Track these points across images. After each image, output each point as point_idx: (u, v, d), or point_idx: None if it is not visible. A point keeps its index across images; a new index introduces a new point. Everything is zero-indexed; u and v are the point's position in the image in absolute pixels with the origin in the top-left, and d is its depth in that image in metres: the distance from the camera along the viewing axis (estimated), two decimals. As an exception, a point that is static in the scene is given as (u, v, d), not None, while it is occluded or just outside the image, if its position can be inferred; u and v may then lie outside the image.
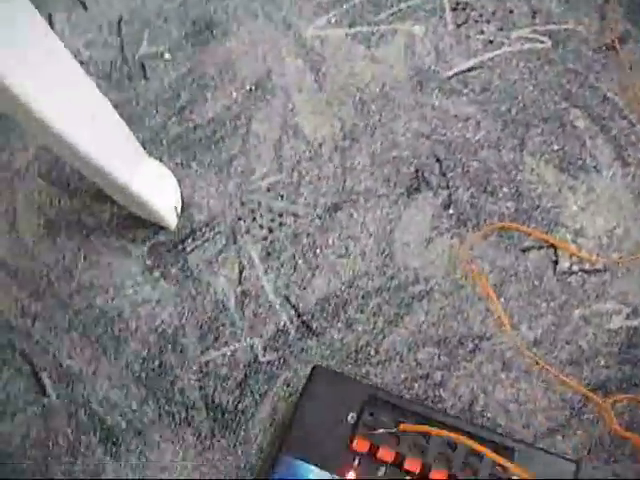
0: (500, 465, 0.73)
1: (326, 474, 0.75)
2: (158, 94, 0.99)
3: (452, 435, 0.72)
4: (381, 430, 0.75)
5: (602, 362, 0.84)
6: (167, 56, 1.00)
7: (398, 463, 0.75)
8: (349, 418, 0.77)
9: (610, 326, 0.86)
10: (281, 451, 0.77)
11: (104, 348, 0.87)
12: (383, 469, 0.75)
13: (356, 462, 0.76)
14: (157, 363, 0.86)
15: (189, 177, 0.93)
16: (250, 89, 0.97)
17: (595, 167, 0.92)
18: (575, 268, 0.88)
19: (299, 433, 0.77)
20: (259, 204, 0.91)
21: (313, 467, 0.76)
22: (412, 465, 0.75)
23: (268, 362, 0.85)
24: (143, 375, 0.86)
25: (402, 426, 0.74)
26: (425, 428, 0.74)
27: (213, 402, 0.84)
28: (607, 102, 0.96)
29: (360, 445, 0.75)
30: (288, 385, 0.83)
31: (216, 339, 0.86)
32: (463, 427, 0.74)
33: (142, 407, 0.85)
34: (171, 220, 0.90)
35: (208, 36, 1.02)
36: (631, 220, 0.90)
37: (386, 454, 0.75)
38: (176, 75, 1.00)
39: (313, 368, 0.78)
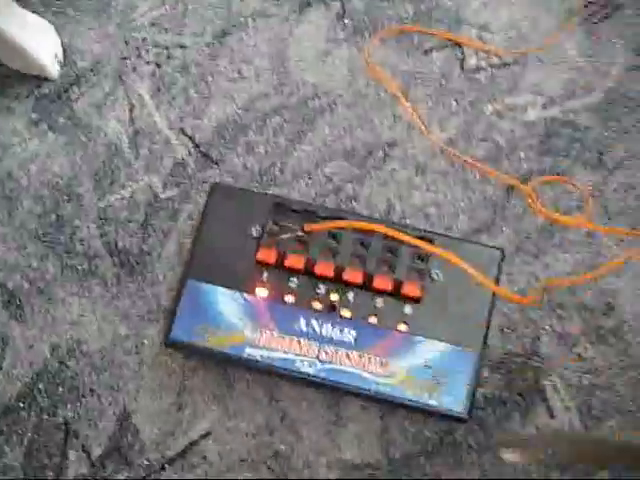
0: (418, 257, 0.69)
1: (235, 294, 0.71)
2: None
3: (364, 226, 0.68)
4: (286, 235, 0.71)
5: (522, 155, 0.80)
6: None
7: (309, 269, 0.70)
8: (253, 232, 0.72)
9: (526, 118, 0.82)
10: (187, 277, 0.72)
11: (-5, 210, 0.81)
12: (295, 279, 0.71)
13: (265, 276, 0.71)
14: (54, 217, 0.81)
15: (68, 24, 0.87)
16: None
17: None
18: (483, 64, 0.84)
19: (203, 255, 0.73)
20: (143, 40, 0.86)
21: (222, 288, 0.71)
22: (324, 269, 0.70)
23: (169, 198, 0.80)
24: (40, 232, 0.81)
25: (307, 226, 0.70)
26: (332, 224, 0.69)
27: (116, 248, 0.79)
28: None
29: (266, 255, 0.71)
30: (192, 219, 0.78)
31: (112, 183, 0.81)
32: (376, 225, 0.69)
33: (43, 264, 0.80)
34: (53, 69, 0.85)
35: None
36: (537, 10, 0.86)
37: (295, 261, 0.70)
38: None
39: (212, 186, 0.73)
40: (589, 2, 0.84)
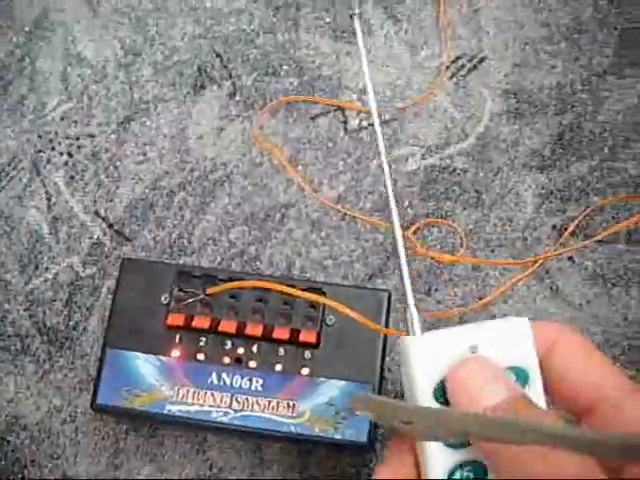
0: (312, 306, 0.78)
1: (152, 357, 0.80)
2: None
3: (257, 284, 0.77)
4: (190, 300, 0.80)
5: (406, 203, 0.90)
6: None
7: (215, 328, 0.79)
8: (162, 299, 0.81)
9: (408, 169, 0.92)
10: (106, 346, 0.81)
11: None
12: (203, 338, 0.80)
13: (177, 339, 0.80)
14: (-15, 304, 0.89)
15: (-16, 125, 0.97)
16: (30, 30, 1.02)
17: (368, 30, 0.99)
18: (364, 124, 0.95)
19: (119, 325, 0.82)
20: (56, 134, 0.96)
21: (139, 354, 0.80)
22: (228, 326, 0.79)
23: (89, 276, 0.89)
24: (-27, 319, 0.89)
25: (209, 289, 0.79)
26: (231, 285, 0.79)
27: (45, 326, 0.88)
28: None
29: (175, 320, 0.80)
30: (112, 293, 0.88)
31: (37, 267, 0.90)
32: (270, 280, 0.79)
33: (-22, 349, 0.88)
34: (-26, 168, 0.94)
35: (-18, -9, 1.06)
36: (410, 70, 0.97)
37: (201, 322, 0.79)
38: (-43, 34, 1.04)
39: (122, 261, 0.83)
40: (457, 57, 0.95)
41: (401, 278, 0.47)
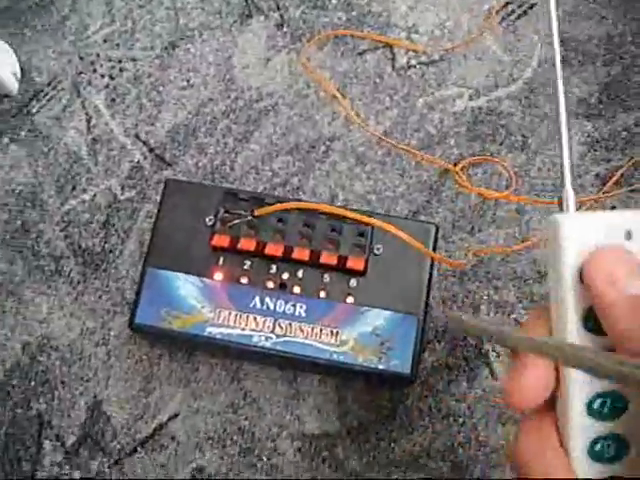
0: (360, 234, 0.78)
1: (194, 278, 0.80)
2: (-19, -27, 1.02)
3: (307, 206, 0.77)
4: (237, 221, 0.80)
5: (452, 142, 0.91)
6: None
7: (260, 251, 0.79)
8: (207, 221, 0.81)
9: (455, 109, 0.93)
10: (146, 265, 0.81)
11: (-37, 219, 0.90)
12: (247, 261, 0.80)
13: (220, 261, 0.80)
14: (19, 223, 0.89)
15: (25, 43, 0.96)
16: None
17: (417, -30, 0.99)
18: (413, 62, 0.95)
19: (161, 245, 0.81)
20: (97, 56, 0.95)
21: (180, 274, 0.80)
22: (274, 249, 0.79)
23: (128, 199, 0.89)
24: (7, 237, 0.89)
25: (257, 211, 0.79)
26: (279, 206, 0.79)
27: (80, 248, 0.88)
28: None
29: (220, 241, 0.79)
30: (151, 217, 0.87)
31: (74, 188, 0.89)
32: (319, 205, 0.79)
33: (11, 268, 0.88)
34: (12, 87, 0.93)
35: None
36: (459, 12, 0.97)
37: (247, 244, 0.79)
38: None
39: (166, 182, 0.83)
40: (507, 2, 0.95)
41: (561, 153, 0.47)
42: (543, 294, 0.81)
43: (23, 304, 0.84)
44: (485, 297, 0.81)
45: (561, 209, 0.46)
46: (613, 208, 0.87)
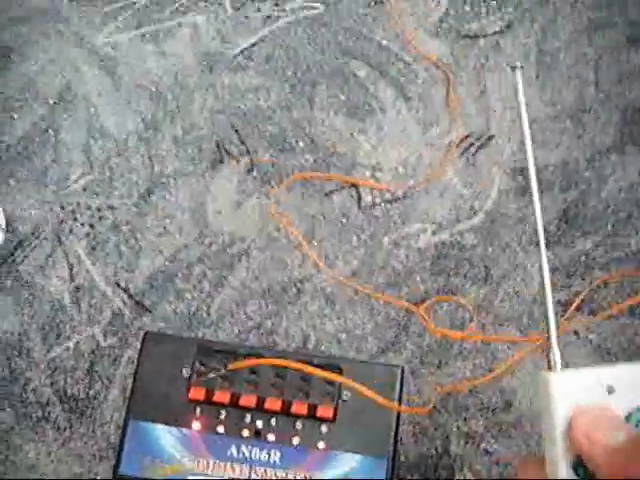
0: (329, 382, 0.84)
1: (173, 429, 0.85)
2: (-33, 125, 1.09)
3: (277, 362, 0.83)
4: (212, 375, 0.86)
5: (417, 278, 0.96)
6: (-29, 89, 1.10)
7: (235, 402, 0.84)
8: (184, 373, 0.86)
9: (419, 245, 0.99)
10: (129, 418, 0.86)
11: (-47, 369, 0.95)
12: (223, 411, 0.85)
13: (197, 411, 0.85)
14: (7, 371, 0.95)
15: (9, 194, 1.02)
16: (54, 103, 1.08)
17: (381, 108, 1.05)
18: (377, 200, 1.01)
19: (141, 397, 0.87)
20: (78, 204, 1.02)
21: (160, 426, 0.85)
22: (247, 400, 0.84)
23: (110, 346, 0.95)
24: (-4, 385, 0.95)
25: (231, 365, 0.85)
26: (252, 361, 0.84)
27: (66, 394, 0.93)
28: (383, 49, 1.09)
29: (196, 394, 0.85)
30: (132, 363, 0.93)
31: (58, 336, 0.95)
32: (289, 357, 0.84)
33: None
34: (-2, 237, 1.00)
35: (7, 62, 1.12)
36: (421, 147, 1.03)
37: (222, 396, 0.84)
38: (-19, 104, 1.10)
39: (144, 335, 0.88)
40: (466, 136, 1.02)
41: (545, 315, 0.52)
42: (510, 422, 0.85)
43: (12, 450, 0.88)
44: (454, 429, 0.86)
45: (549, 366, 0.52)
46: (575, 333, 0.92)
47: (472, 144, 0.97)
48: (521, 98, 0.55)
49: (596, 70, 1.02)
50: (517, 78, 0.60)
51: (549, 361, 0.50)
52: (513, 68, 0.68)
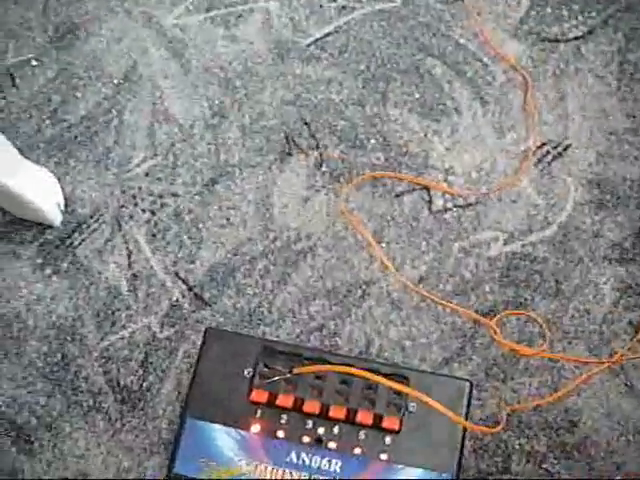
0: (395, 392, 0.81)
1: (231, 430, 0.83)
2: (30, 100, 1.06)
3: (345, 370, 0.81)
4: (276, 378, 0.83)
5: (487, 288, 0.94)
6: (34, 63, 1.08)
7: (298, 407, 0.82)
8: (246, 373, 0.84)
9: (490, 254, 0.96)
10: (185, 416, 0.84)
11: (5, 350, 0.93)
12: (285, 416, 0.83)
13: (258, 414, 0.83)
14: (59, 356, 0.92)
15: (69, 174, 1.00)
16: (118, 83, 1.05)
17: (456, 109, 1.02)
18: (449, 205, 0.98)
19: (200, 395, 0.85)
20: (139, 189, 0.99)
21: (218, 426, 0.83)
22: (311, 406, 0.82)
23: (166, 338, 0.92)
24: (47, 370, 0.92)
25: (296, 369, 0.82)
26: (317, 367, 0.82)
27: (118, 385, 0.91)
28: (460, 48, 1.06)
29: (259, 396, 0.82)
30: (189, 357, 0.90)
31: (113, 324, 0.93)
32: (356, 364, 0.82)
33: (50, 401, 0.91)
34: (56, 218, 0.97)
35: (72, 39, 1.10)
36: (496, 153, 1.00)
37: (285, 400, 0.82)
38: (45, 79, 1.07)
39: (206, 331, 0.86)
40: (542, 144, 0.98)
41: None
42: (574, 443, 0.83)
43: (61, 438, 0.87)
44: (517, 447, 0.83)
45: None
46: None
47: (548, 152, 0.94)
48: None
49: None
50: None
51: None
52: None
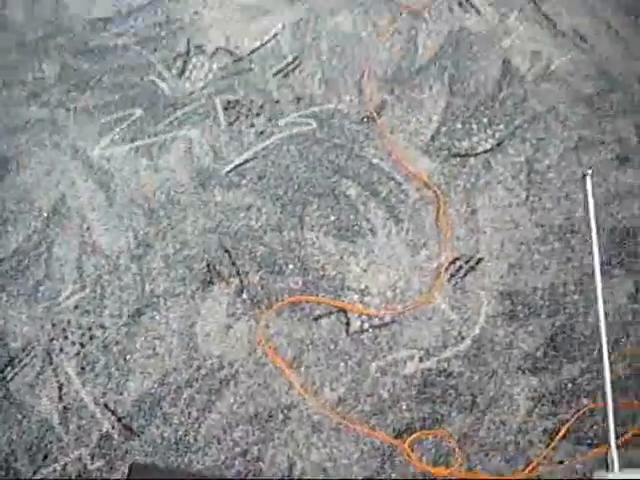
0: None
1: None
2: (-39, 238, 1.12)
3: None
4: (195, 512, 0.88)
5: (403, 406, 0.99)
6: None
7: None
8: (169, 507, 0.89)
9: (406, 372, 1.01)
10: None
11: (-61, 488, 0.97)
12: None
13: None
14: (-7, 491, 0.97)
15: (0, 308, 1.05)
16: (48, 216, 1.11)
17: (371, 229, 1.08)
18: (366, 325, 1.03)
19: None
20: (68, 322, 1.04)
21: None
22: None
23: (97, 469, 0.97)
24: (-19, 508, 0.97)
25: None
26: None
27: (51, 519, 0.95)
28: (374, 168, 1.12)
29: (180, 531, 0.87)
30: (118, 488, 0.95)
31: (45, 457, 0.97)
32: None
33: (-15, 537, 0.95)
34: (-12, 353, 1.02)
35: (4, 173, 1.16)
36: (410, 271, 1.06)
37: (205, 534, 0.87)
38: (-23, 215, 1.13)
39: (130, 466, 0.91)
40: (455, 259, 1.04)
41: (606, 416, 0.56)
42: None
43: None
44: None
45: (606, 467, 0.56)
46: (560, 463, 0.93)
47: (461, 267, 0.99)
48: (591, 205, 0.58)
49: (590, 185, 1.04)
50: (587, 185, 0.64)
51: (607, 462, 0.56)
52: (584, 175, 0.71)
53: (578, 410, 0.97)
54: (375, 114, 1.10)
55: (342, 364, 0.98)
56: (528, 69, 1.20)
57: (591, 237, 0.55)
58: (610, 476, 0.56)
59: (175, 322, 1.01)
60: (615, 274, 1.05)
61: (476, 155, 1.08)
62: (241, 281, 1.01)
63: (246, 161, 1.07)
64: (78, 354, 1.01)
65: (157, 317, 1.02)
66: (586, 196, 0.62)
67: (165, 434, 0.96)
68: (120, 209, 1.07)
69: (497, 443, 0.94)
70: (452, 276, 1.01)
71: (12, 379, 1.01)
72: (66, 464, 0.96)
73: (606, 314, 1.04)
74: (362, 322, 0.99)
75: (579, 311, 1.02)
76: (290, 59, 1.18)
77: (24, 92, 1.19)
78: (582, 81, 1.20)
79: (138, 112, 1.13)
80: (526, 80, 1.19)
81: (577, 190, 1.09)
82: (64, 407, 0.99)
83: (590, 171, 0.70)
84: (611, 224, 1.08)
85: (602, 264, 1.02)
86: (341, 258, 1.02)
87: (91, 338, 1.02)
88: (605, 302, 1.04)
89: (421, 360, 0.98)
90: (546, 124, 1.14)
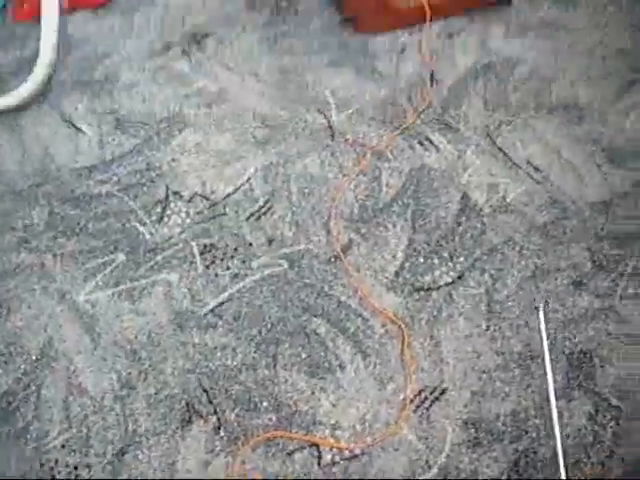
0: None
1: None
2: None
3: None
4: None
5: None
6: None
7: None
8: None
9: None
10: None
11: None
12: None
13: None
14: None
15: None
16: (36, 358, 1.20)
17: (340, 365, 1.17)
18: (337, 458, 1.11)
19: None
20: (56, 462, 1.12)
21: None
22: None
23: None
24: None
25: None
26: None
27: None
28: (342, 306, 1.21)
29: None
30: None
31: None
32: None
33: None
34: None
35: (-5, 318, 1.25)
36: (378, 404, 1.14)
37: None
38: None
39: None
40: (420, 391, 1.12)
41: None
42: None
43: None
44: None
45: None
46: None
47: (426, 398, 1.07)
48: (544, 336, 0.65)
49: (543, 316, 1.12)
50: (540, 317, 0.71)
51: None
52: (536, 308, 0.79)
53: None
54: (342, 254, 1.19)
55: (315, 473, 1.05)
56: (485, 202, 1.29)
57: (545, 367, 0.62)
58: None
59: (157, 460, 1.08)
60: (574, 396, 1.12)
61: (438, 288, 1.17)
62: (218, 419, 1.09)
63: (222, 303, 1.16)
64: (66, 454, 1.08)
65: (140, 456, 1.09)
66: (540, 329, 0.70)
67: None
68: (104, 352, 1.15)
69: None
70: (418, 407, 1.09)
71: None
72: None
73: (567, 436, 1.12)
74: (333, 455, 1.07)
75: (540, 434, 1.10)
76: (262, 202, 1.28)
77: (14, 238, 1.29)
78: (537, 210, 1.29)
79: (120, 257, 1.22)
80: (484, 213, 1.28)
81: (535, 317, 1.17)
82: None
83: (541, 305, 0.77)
84: (569, 348, 1.16)
85: (561, 387, 1.11)
86: (312, 394, 1.10)
87: (76, 477, 1.09)
88: (565, 424, 1.12)
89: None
90: (503, 255, 1.23)
